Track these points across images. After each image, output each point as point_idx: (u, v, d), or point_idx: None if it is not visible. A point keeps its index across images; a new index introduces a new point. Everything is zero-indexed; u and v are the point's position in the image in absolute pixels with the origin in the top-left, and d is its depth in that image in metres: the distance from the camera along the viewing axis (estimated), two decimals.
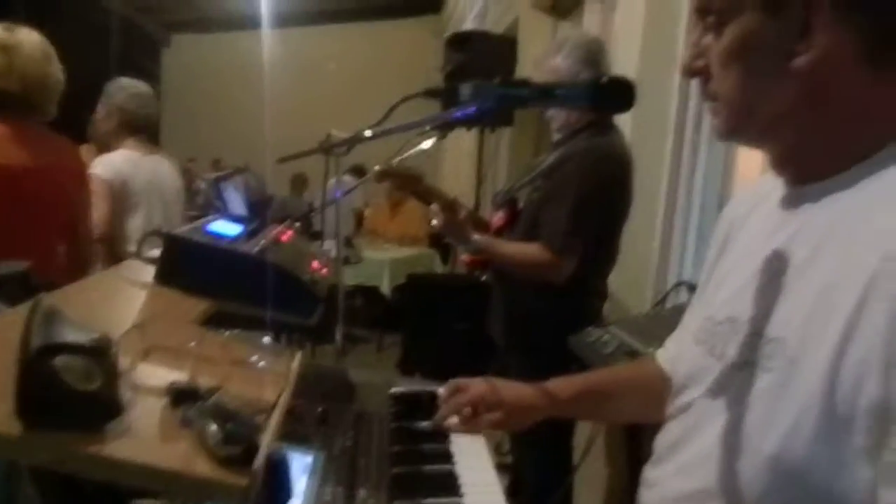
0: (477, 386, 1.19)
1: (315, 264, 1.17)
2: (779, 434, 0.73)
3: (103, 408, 0.54)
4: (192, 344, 0.75)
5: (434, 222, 1.94)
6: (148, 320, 0.76)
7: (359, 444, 1.10)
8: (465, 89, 0.89)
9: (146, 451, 0.53)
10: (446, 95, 0.94)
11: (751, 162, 2.18)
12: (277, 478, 0.57)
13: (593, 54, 2.08)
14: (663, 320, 1.86)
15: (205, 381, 0.66)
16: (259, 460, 0.54)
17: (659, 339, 1.76)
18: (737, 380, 0.83)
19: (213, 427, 0.56)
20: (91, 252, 2.16)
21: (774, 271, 0.84)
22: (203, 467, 0.53)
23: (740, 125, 0.83)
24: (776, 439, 0.73)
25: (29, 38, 1.93)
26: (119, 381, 0.61)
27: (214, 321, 0.95)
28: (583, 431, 2.25)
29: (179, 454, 0.54)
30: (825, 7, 0.74)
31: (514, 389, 1.18)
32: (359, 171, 5.79)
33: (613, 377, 1.21)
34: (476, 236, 2.00)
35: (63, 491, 0.83)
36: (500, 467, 2.88)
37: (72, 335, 0.58)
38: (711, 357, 0.90)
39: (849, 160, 0.78)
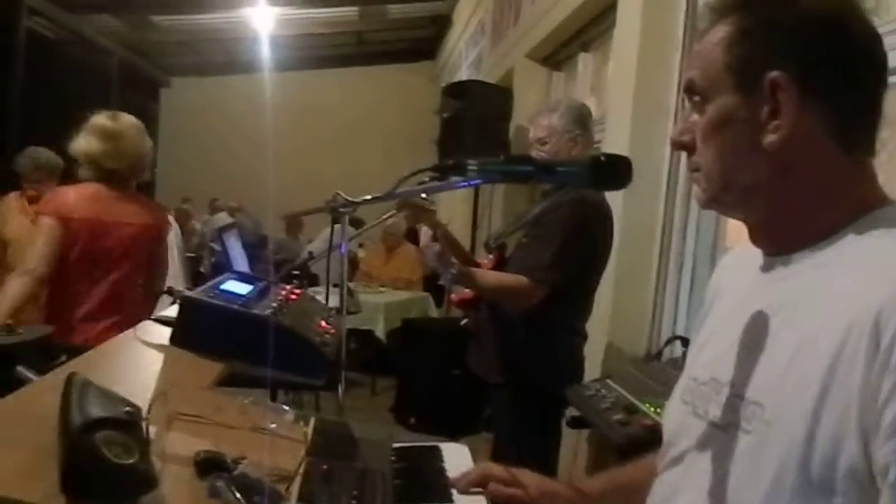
0: (501, 472, 1.21)
1: (322, 324, 1.21)
2: (760, 493, 0.77)
3: (141, 480, 0.57)
4: (212, 413, 0.78)
5: (421, 245, 2.12)
6: (170, 388, 0.79)
7: (363, 502, 1.12)
8: (472, 165, 0.95)
9: None
10: (453, 171, 0.99)
11: None
12: None
13: (584, 117, 2.31)
14: (658, 374, 1.91)
15: (227, 449, 0.69)
16: None
17: (653, 394, 1.81)
18: (719, 439, 0.87)
19: (241, 499, 0.59)
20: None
21: (753, 335, 0.88)
22: None
23: (718, 195, 0.89)
24: (759, 498, 0.77)
25: (129, 122, 2.47)
26: (150, 451, 0.65)
27: (227, 381, 0.98)
28: None
29: None
30: (792, 91, 0.81)
31: (539, 479, 1.20)
32: (356, 223, 5.85)
33: (633, 472, 1.24)
34: (457, 265, 2.13)
35: None
36: None
37: (106, 408, 0.62)
38: (695, 416, 0.94)
39: (816, 234, 0.84)
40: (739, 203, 0.91)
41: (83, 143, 2.37)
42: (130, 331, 1.07)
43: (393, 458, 1.36)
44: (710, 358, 0.98)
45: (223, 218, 6.91)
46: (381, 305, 5.25)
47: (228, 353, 1.01)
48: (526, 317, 2.18)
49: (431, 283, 6.39)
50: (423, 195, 2.05)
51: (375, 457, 1.33)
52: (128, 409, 0.64)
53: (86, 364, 0.86)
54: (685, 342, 2.07)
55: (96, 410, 0.60)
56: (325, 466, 1.21)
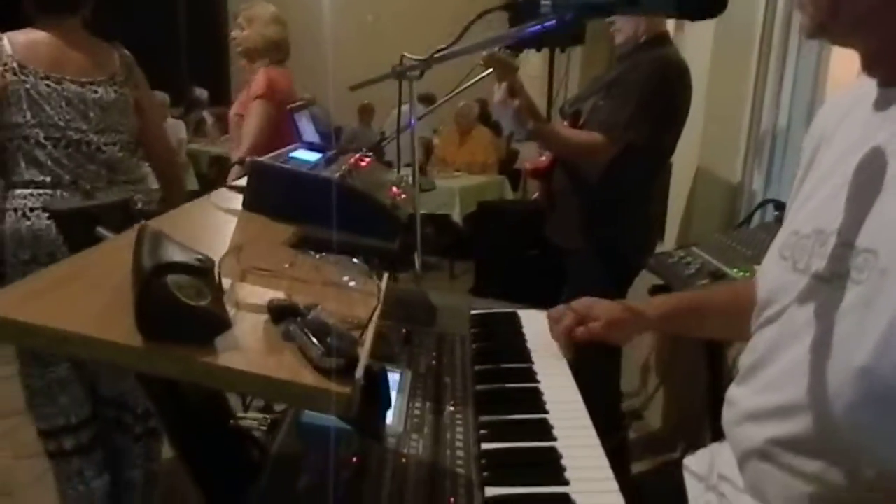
0: (572, 310, 1.20)
1: (394, 190, 1.18)
2: (869, 347, 0.72)
3: (214, 322, 0.57)
4: (287, 265, 0.77)
5: (496, 98, 2.00)
6: (244, 243, 0.78)
7: (443, 364, 1.13)
8: (546, 1, 0.86)
9: (255, 362, 0.56)
10: (526, 8, 0.91)
11: (844, 68, 2.05)
12: (377, 388, 0.60)
13: None
14: (748, 240, 1.81)
15: (301, 300, 0.68)
16: (359, 372, 0.56)
17: (743, 259, 1.72)
18: (823, 292, 0.81)
19: (315, 341, 0.58)
20: None
21: (866, 176, 0.80)
22: (309, 377, 0.56)
23: (826, 23, 0.82)
24: (866, 352, 0.72)
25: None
26: (222, 297, 0.64)
27: (301, 247, 0.98)
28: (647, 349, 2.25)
29: (286, 365, 0.57)
30: None
31: (608, 306, 1.18)
32: (428, 100, 5.76)
33: (706, 297, 1.20)
34: (533, 121, 2.09)
35: (174, 408, 0.89)
36: None
37: (177, 255, 0.61)
38: (795, 272, 0.87)
39: None
40: (850, 33, 0.83)
41: (268, 31, 2.71)
42: (205, 197, 1.07)
43: (471, 323, 1.36)
44: (814, 208, 0.90)
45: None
46: (456, 190, 5.22)
47: (299, 216, 1.00)
48: (602, 179, 2.16)
49: (507, 167, 6.29)
50: (503, 49, 1.97)
51: (454, 323, 1.34)
52: (199, 257, 0.64)
53: (160, 224, 0.86)
54: (778, 206, 1.95)
55: (167, 256, 0.60)
56: (404, 330, 1.22)
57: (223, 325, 0.58)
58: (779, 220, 1.90)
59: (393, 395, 0.99)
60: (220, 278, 0.64)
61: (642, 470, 1.29)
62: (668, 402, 2.89)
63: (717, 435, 1.05)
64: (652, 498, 1.11)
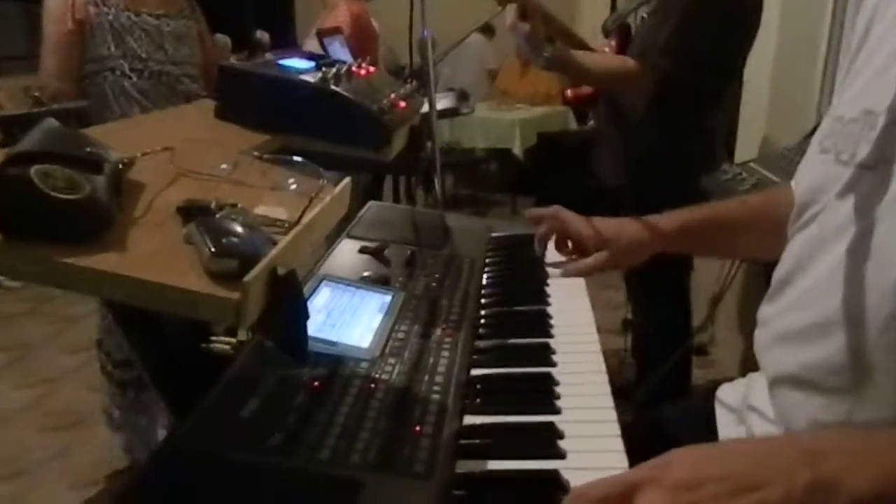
0: (575, 222, 1.07)
1: (392, 96, 1.06)
2: None
3: (88, 218, 0.49)
4: (224, 167, 0.68)
5: (507, 22, 1.73)
6: (182, 145, 0.70)
7: (445, 285, 1.03)
8: None
9: (135, 264, 0.48)
10: None
11: None
12: (284, 295, 0.50)
13: None
14: None
15: (225, 202, 0.59)
16: (254, 275, 0.47)
17: None
18: (867, 183, 0.66)
19: (209, 241, 0.49)
20: None
21: None
22: (191, 281, 0.47)
23: None
24: None
25: None
26: (122, 197, 0.56)
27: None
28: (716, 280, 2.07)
29: (173, 269, 0.48)
30: None
31: (615, 226, 1.05)
32: (489, 31, 5.52)
33: (732, 207, 1.03)
34: (551, 47, 1.76)
35: (145, 331, 0.84)
36: (624, 324, 2.75)
37: (60, 145, 0.53)
38: (838, 164, 0.72)
39: None
40: None
41: None
42: (185, 105, 1.00)
43: (489, 246, 1.25)
44: (861, 87, 0.74)
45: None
46: (516, 122, 5.02)
47: (273, 124, 0.90)
48: (647, 111, 1.86)
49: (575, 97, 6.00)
50: None
51: (470, 246, 1.23)
52: (94, 149, 0.55)
53: (114, 129, 0.79)
54: None
55: (41, 145, 0.51)
56: (409, 251, 1.13)
57: (100, 222, 0.49)
58: None
59: (378, 317, 0.90)
60: (114, 175, 0.55)
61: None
62: (735, 339, 2.72)
63: None
64: (678, 431, 0.99)
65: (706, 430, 0.95)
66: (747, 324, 2.57)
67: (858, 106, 0.72)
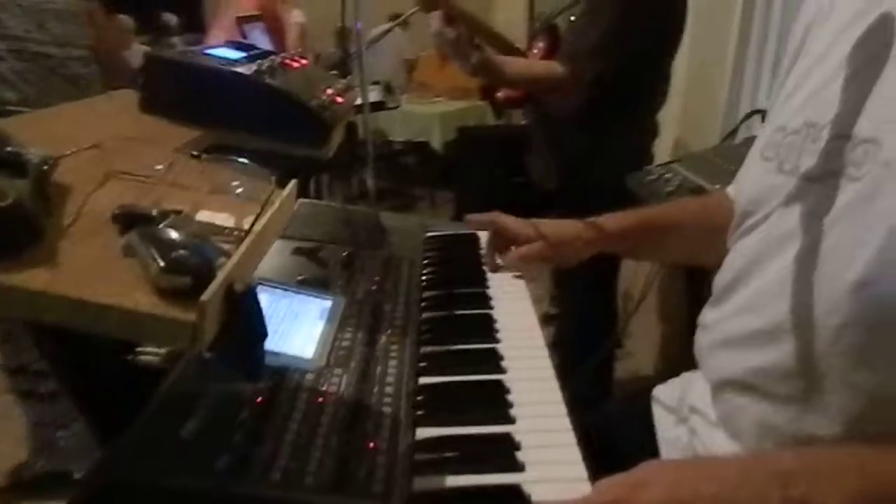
0: (516, 223, 1.07)
1: (328, 91, 1.02)
2: (866, 256, 0.59)
3: (12, 230, 0.43)
4: (159, 167, 0.63)
5: (431, 28, 1.70)
6: (111, 142, 0.63)
7: (385, 289, 1.00)
8: None
9: (71, 282, 0.43)
10: None
11: None
12: (243, 314, 0.46)
13: None
14: (733, 154, 1.67)
15: (166, 208, 0.54)
16: (211, 292, 0.43)
17: (728, 175, 1.58)
18: (814, 194, 0.68)
19: (156, 254, 0.45)
20: None
21: (870, 53, 0.66)
22: (140, 300, 0.42)
23: None
24: (863, 262, 0.60)
25: None
26: (50, 204, 0.50)
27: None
28: (630, 276, 2.12)
29: (114, 286, 0.43)
30: None
31: (556, 225, 1.05)
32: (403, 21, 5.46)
33: (672, 211, 1.06)
34: (477, 53, 1.73)
35: (59, 340, 0.76)
36: (545, 318, 2.79)
37: None
38: (781, 174, 0.74)
39: None
40: None
41: None
42: (104, 95, 0.92)
43: (425, 246, 1.23)
44: (803, 99, 0.76)
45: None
46: (436, 116, 5.01)
47: (202, 118, 0.84)
48: (577, 113, 1.84)
49: (490, 92, 6.04)
50: None
51: (406, 245, 1.21)
52: (13, 148, 0.49)
53: (32, 121, 0.72)
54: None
55: None
56: (345, 253, 1.09)
57: (25, 233, 0.44)
58: None
59: (320, 324, 0.86)
60: (39, 178, 0.49)
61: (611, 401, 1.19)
62: (650, 331, 2.81)
63: (692, 365, 0.94)
64: (619, 430, 1.00)
65: (645, 432, 0.97)
66: (661, 315, 2.66)
67: (801, 117, 0.74)
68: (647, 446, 0.95)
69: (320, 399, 0.70)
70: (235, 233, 0.54)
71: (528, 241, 1.04)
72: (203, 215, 0.56)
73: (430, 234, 1.27)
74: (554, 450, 0.69)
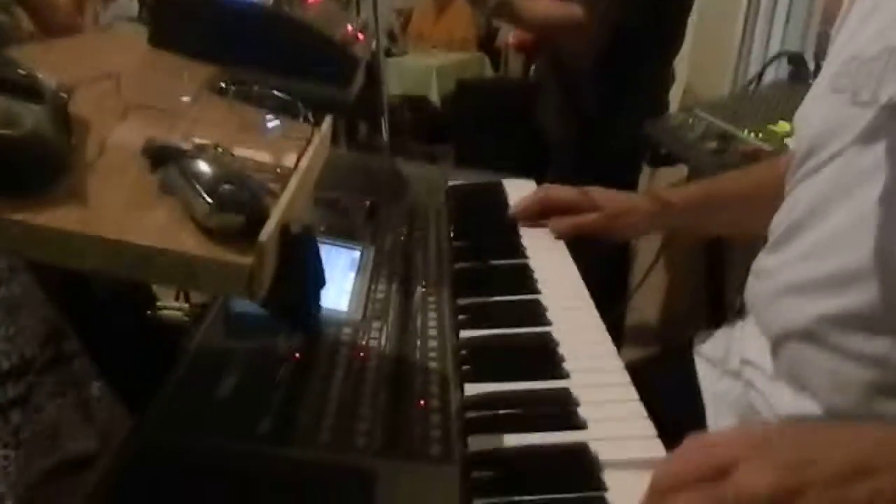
0: (567, 192, 1.02)
1: (349, 28, 0.94)
2: None
3: (34, 161, 0.37)
4: (186, 99, 0.56)
5: None
6: (131, 73, 0.57)
7: (414, 239, 0.94)
8: None
9: (108, 222, 0.37)
10: None
11: None
12: (302, 258, 0.41)
13: None
14: (759, 99, 1.61)
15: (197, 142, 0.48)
16: (269, 232, 0.37)
17: (755, 120, 1.52)
18: None
19: (202, 191, 0.38)
20: None
21: None
22: (189, 242, 0.37)
23: None
24: None
25: None
26: (72, 136, 0.44)
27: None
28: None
29: (155, 226, 0.37)
30: None
31: (610, 194, 1.00)
32: None
33: (735, 182, 1.00)
34: None
35: (71, 298, 0.70)
36: None
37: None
38: (855, 105, 0.68)
39: None
40: None
41: None
42: (106, 32, 0.84)
43: (448, 196, 1.16)
44: (882, 25, 0.70)
45: None
46: (432, 68, 4.88)
47: (219, 54, 0.77)
48: (594, 61, 1.77)
49: (488, 44, 5.90)
50: None
51: (428, 196, 1.14)
52: (26, 73, 0.42)
53: (39, 52, 0.64)
54: (793, 59, 1.73)
55: None
56: (368, 202, 1.03)
57: (48, 165, 0.37)
58: (794, 76, 1.69)
59: (350, 275, 0.81)
60: (58, 105, 0.43)
61: (642, 356, 1.15)
62: (658, 290, 2.78)
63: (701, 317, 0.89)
64: (656, 386, 0.96)
65: (687, 387, 0.93)
66: (667, 265, 2.62)
67: (879, 43, 0.68)
68: (689, 402, 0.91)
69: (362, 354, 0.65)
70: (278, 170, 0.48)
71: (581, 211, 0.99)
72: (239, 152, 0.50)
73: (452, 183, 1.21)
74: (615, 405, 0.64)
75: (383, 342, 0.68)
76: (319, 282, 0.45)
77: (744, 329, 0.87)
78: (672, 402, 0.91)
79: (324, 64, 0.81)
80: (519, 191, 1.14)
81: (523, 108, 2.27)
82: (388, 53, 2.67)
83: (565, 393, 0.65)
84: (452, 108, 4.85)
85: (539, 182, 1.21)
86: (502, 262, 0.93)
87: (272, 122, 0.56)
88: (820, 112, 0.75)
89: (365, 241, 0.90)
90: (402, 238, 0.93)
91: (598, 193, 1.00)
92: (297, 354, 0.63)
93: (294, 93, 0.84)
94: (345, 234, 0.91)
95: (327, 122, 0.61)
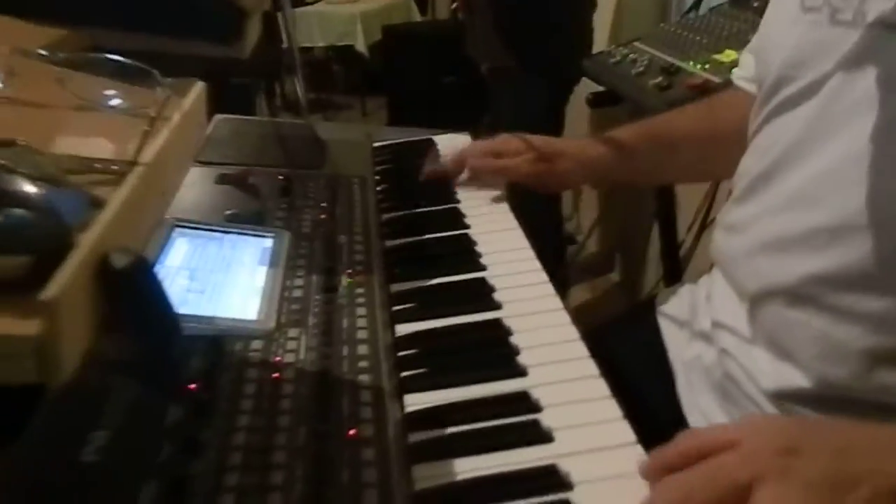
0: (491, 140, 0.90)
1: None
2: None
3: None
4: (4, 77, 0.42)
5: None
6: None
7: (336, 217, 0.81)
8: None
9: None
10: None
11: None
12: (135, 303, 0.28)
13: None
14: (702, 27, 1.50)
15: (33, 137, 0.34)
16: (65, 280, 0.24)
17: (700, 49, 1.42)
18: (891, 48, 0.53)
19: None
20: None
21: None
22: None
23: None
24: None
25: None
26: None
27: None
28: None
29: None
30: None
31: (542, 139, 0.88)
32: None
33: (678, 120, 0.89)
34: None
35: None
36: None
37: None
38: (836, 26, 0.58)
39: None
40: None
41: None
42: None
43: (374, 159, 1.03)
44: None
45: None
46: (356, 15, 4.63)
47: (73, 13, 0.61)
48: None
49: None
50: None
51: (352, 161, 1.01)
52: None
53: None
54: None
55: None
56: (280, 176, 0.89)
57: None
58: (734, 3, 1.59)
59: (262, 271, 0.68)
60: None
61: (606, 316, 1.07)
62: (605, 224, 2.73)
63: (674, 278, 0.81)
64: (621, 350, 0.86)
65: (654, 352, 0.84)
66: (608, 206, 2.57)
67: None
68: (657, 369, 0.82)
69: (275, 375, 0.53)
70: (114, 168, 0.35)
71: (513, 154, 0.87)
72: (63, 144, 0.36)
73: (378, 144, 1.08)
74: (585, 407, 0.54)
75: (302, 355, 0.56)
76: (168, 326, 0.33)
77: (712, 286, 0.79)
78: (638, 369, 0.83)
79: (205, 18, 0.66)
80: (454, 145, 1.02)
81: (455, 51, 2.25)
82: (305, 2, 2.46)
83: (525, 397, 0.54)
84: (381, 56, 4.65)
85: (478, 131, 1.10)
86: (440, 234, 0.81)
87: (115, 97, 0.42)
88: (789, 35, 0.64)
89: (278, 225, 0.77)
90: (323, 217, 0.80)
91: (522, 140, 0.89)
92: (194, 385, 0.51)
93: (170, 55, 0.69)
94: (254, 219, 0.77)
95: (196, 87, 0.47)
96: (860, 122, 0.54)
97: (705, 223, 1.70)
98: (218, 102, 0.74)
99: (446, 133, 1.11)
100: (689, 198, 1.69)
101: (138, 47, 0.65)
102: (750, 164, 0.68)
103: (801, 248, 0.59)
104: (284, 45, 1.15)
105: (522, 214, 0.86)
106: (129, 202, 0.31)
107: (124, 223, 0.30)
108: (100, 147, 0.37)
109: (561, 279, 2.11)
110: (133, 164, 0.34)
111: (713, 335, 0.75)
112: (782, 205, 0.62)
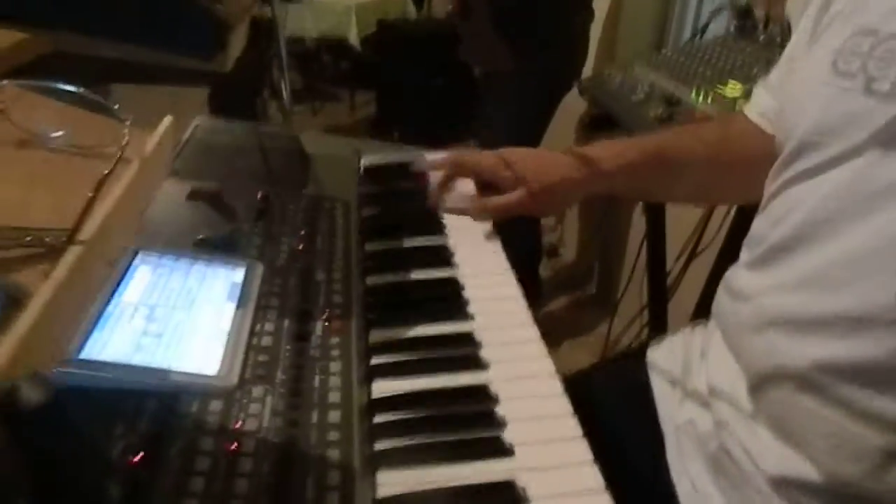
0: (486, 160, 0.84)
1: None
2: None
3: None
4: None
5: None
6: None
7: (316, 247, 0.75)
8: None
9: None
10: None
11: None
12: (40, 445, 0.22)
13: None
14: (705, 55, 1.46)
15: None
16: None
17: (703, 79, 1.38)
18: None
19: None
20: None
21: None
22: None
23: None
24: None
25: None
26: None
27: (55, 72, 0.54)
28: None
29: None
30: None
31: (537, 159, 0.82)
32: None
33: (685, 141, 0.83)
34: None
35: None
36: None
37: None
38: (872, 96, 0.53)
39: None
40: None
41: None
42: None
43: (361, 181, 0.97)
44: None
45: None
46: (351, 8, 4.54)
47: (40, 14, 0.55)
48: None
49: None
50: None
51: (337, 179, 0.95)
52: None
53: None
54: (741, 10, 1.58)
55: None
56: (259, 194, 0.83)
57: None
58: (740, 30, 1.55)
59: (229, 311, 0.61)
60: None
61: (593, 362, 1.02)
62: (584, 237, 2.70)
63: (658, 304, 0.75)
64: (607, 403, 0.81)
65: (643, 409, 0.79)
66: (593, 221, 2.54)
67: None
68: (642, 426, 0.77)
69: (233, 447, 0.47)
70: (48, 239, 0.29)
71: (503, 181, 0.81)
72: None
73: (367, 164, 1.02)
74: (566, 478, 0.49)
75: (265, 422, 0.50)
76: (87, 463, 0.27)
77: (709, 343, 0.74)
78: (623, 427, 0.78)
79: (183, 30, 0.60)
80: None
81: (450, 50, 2.21)
82: None
83: (510, 486, 0.49)
84: (374, 51, 4.57)
85: (465, 129, 1.05)
86: (425, 276, 0.75)
87: (58, 135, 0.36)
88: (817, 97, 0.59)
89: (252, 253, 0.71)
90: (301, 247, 0.74)
91: (519, 161, 0.82)
92: (138, 457, 0.45)
93: (149, 65, 0.63)
94: (225, 245, 0.71)
95: (164, 124, 0.41)
96: (890, 204, 0.49)
97: (694, 253, 1.67)
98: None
99: (437, 153, 1.05)
100: (678, 225, 1.65)
101: (119, 55, 0.59)
102: (765, 230, 0.64)
103: (817, 333, 0.54)
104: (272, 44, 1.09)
105: (500, 225, 0.81)
106: (56, 298, 0.25)
107: (49, 323, 0.24)
108: (36, 206, 0.31)
109: (533, 293, 2.11)
110: (70, 240, 0.28)
111: (710, 402, 0.70)
112: (801, 281, 0.57)
